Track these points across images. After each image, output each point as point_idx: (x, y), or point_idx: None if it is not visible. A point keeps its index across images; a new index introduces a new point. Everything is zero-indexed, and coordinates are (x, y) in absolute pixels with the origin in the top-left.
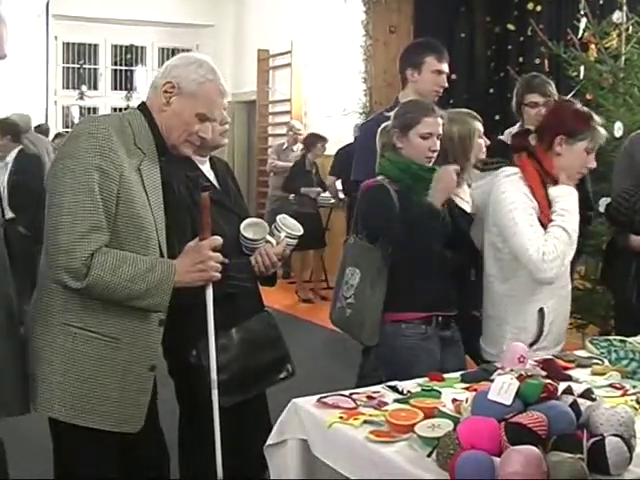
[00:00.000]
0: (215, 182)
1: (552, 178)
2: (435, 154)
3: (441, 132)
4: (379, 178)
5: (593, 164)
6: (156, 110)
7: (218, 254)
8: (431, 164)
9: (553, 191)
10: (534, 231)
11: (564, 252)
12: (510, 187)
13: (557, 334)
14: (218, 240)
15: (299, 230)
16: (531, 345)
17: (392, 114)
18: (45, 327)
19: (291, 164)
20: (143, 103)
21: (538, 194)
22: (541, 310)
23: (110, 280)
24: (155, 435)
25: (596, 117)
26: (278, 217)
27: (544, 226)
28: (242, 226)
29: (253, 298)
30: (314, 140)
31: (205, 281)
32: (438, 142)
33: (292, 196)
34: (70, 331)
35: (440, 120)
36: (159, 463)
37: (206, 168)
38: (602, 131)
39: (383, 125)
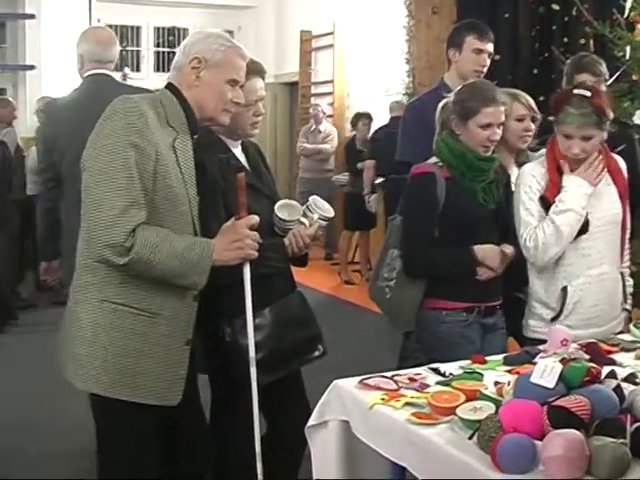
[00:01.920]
0: (246, 165)
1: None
2: (494, 143)
3: (503, 120)
4: (432, 161)
5: (575, 150)
6: (186, 88)
7: (255, 232)
8: (490, 153)
9: (564, 179)
10: (528, 214)
11: (545, 244)
12: (528, 167)
13: (586, 316)
14: (255, 219)
15: (331, 212)
16: (552, 320)
17: (452, 95)
18: (86, 305)
19: (321, 146)
20: (171, 83)
21: (549, 173)
22: (564, 289)
23: (151, 257)
24: (196, 414)
25: (577, 102)
26: (310, 198)
27: (549, 203)
28: (276, 207)
29: (286, 278)
30: (356, 119)
31: (242, 259)
32: (499, 130)
33: (345, 177)
34: (111, 307)
35: (502, 108)
36: (201, 443)
37: (238, 151)
38: (573, 117)
39: (444, 102)
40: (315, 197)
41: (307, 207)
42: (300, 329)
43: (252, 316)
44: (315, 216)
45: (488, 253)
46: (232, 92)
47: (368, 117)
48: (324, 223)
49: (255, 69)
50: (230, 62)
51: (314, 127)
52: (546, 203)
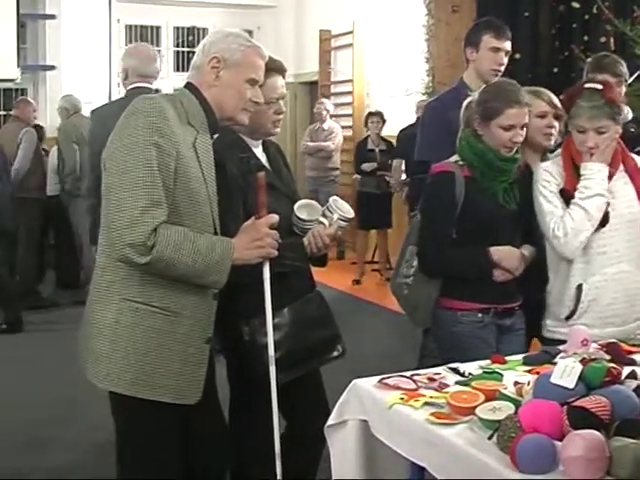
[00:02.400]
0: (267, 164)
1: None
2: (517, 145)
3: (526, 121)
4: (453, 160)
5: (589, 144)
6: (205, 88)
7: (275, 231)
8: (512, 153)
9: (582, 167)
10: (552, 206)
11: (575, 229)
12: (544, 165)
13: (602, 314)
14: (274, 218)
15: (350, 213)
16: (566, 319)
17: (476, 94)
18: (107, 304)
19: (323, 143)
20: (190, 83)
21: (565, 170)
22: (579, 286)
23: (173, 256)
24: (215, 414)
25: (587, 96)
26: (330, 199)
27: (571, 196)
28: (296, 207)
29: (305, 278)
30: (367, 118)
31: (263, 257)
32: (523, 131)
33: (358, 176)
34: (132, 306)
35: (526, 109)
36: (220, 442)
37: (259, 151)
38: (584, 110)
39: (468, 100)
40: (335, 197)
41: (327, 207)
42: (319, 329)
43: (268, 317)
44: (335, 216)
45: (505, 254)
46: (251, 91)
47: (378, 115)
48: (344, 224)
49: (275, 67)
50: (249, 62)
51: (318, 125)
52: (565, 196)
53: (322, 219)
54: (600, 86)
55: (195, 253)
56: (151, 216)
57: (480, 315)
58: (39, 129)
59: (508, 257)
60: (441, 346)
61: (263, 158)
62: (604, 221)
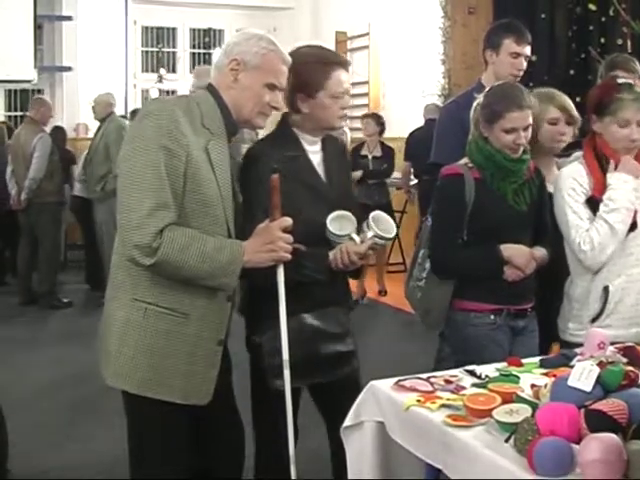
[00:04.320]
0: (319, 164)
1: (606, 156)
2: (521, 147)
3: (530, 123)
4: (462, 162)
5: (634, 135)
6: (224, 89)
7: (288, 235)
8: (519, 154)
9: (608, 177)
10: (577, 218)
11: (602, 244)
12: (567, 170)
13: (627, 315)
14: (288, 221)
15: (390, 232)
16: (592, 321)
17: (481, 97)
18: (118, 303)
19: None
20: (210, 84)
21: (592, 172)
22: (606, 288)
23: (179, 258)
24: (231, 415)
25: (627, 89)
26: (372, 214)
27: (598, 203)
28: (329, 218)
29: (330, 289)
30: (362, 120)
31: (275, 261)
32: (527, 133)
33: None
34: (141, 306)
35: (528, 112)
36: (235, 443)
37: (315, 148)
38: (629, 102)
39: (476, 102)
40: (377, 212)
41: (365, 223)
42: (331, 343)
43: (282, 321)
44: (370, 233)
45: (515, 252)
46: (270, 95)
47: (371, 117)
48: (381, 242)
49: (339, 61)
50: (270, 66)
51: None
52: (594, 204)
53: (354, 235)
54: (632, 80)
55: (202, 255)
56: (157, 218)
57: (493, 317)
58: (60, 131)
59: (518, 254)
60: (454, 348)
61: (317, 156)
62: (632, 227)
